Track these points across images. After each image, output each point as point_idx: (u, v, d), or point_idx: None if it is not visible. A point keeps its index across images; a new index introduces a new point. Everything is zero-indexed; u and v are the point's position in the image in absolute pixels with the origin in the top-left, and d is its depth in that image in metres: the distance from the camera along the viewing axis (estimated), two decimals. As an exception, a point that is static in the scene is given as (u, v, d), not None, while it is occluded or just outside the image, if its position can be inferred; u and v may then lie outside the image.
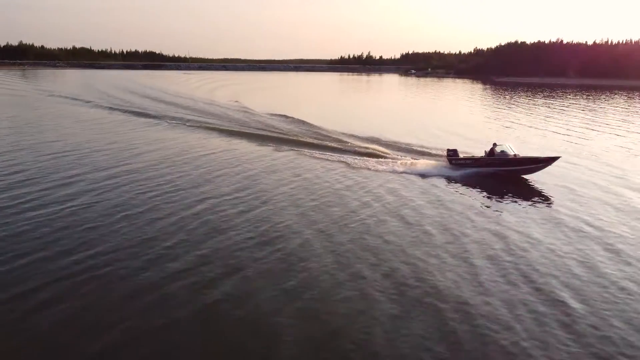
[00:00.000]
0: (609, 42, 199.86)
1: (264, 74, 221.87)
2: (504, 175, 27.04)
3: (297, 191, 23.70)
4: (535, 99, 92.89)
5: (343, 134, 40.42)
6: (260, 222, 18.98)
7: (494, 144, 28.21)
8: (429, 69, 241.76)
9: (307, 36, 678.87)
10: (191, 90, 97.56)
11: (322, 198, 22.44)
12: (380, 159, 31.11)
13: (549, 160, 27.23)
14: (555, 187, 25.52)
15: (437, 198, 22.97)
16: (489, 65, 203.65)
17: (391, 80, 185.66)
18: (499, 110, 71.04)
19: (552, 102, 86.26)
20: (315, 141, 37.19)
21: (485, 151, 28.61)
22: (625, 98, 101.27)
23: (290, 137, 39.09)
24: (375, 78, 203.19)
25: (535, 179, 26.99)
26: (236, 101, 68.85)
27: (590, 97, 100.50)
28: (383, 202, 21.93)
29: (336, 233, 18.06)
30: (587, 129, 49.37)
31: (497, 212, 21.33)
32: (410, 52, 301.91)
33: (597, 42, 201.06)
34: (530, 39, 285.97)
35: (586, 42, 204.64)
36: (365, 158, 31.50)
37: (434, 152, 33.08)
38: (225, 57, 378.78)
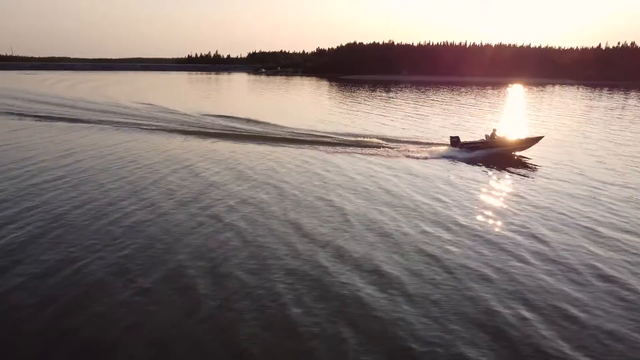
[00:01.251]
0: (430, 43, 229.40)
1: (115, 74, 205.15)
2: (503, 154, 33.82)
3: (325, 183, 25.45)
4: (375, 93, 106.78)
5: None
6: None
7: (494, 130, 35.08)
8: (279, 68, 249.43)
9: (152, 34, 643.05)
10: (65, 91, 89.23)
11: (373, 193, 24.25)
12: (414, 148, 36.17)
13: (536, 140, 34.45)
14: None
15: (472, 175, 28.68)
16: (334, 64, 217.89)
17: (241, 78, 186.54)
18: (351, 102, 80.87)
19: (389, 95, 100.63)
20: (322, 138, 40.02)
21: (486, 135, 35.23)
22: (449, 91, 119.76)
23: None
24: (227, 77, 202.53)
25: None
26: (149, 103, 66.98)
27: (420, 91, 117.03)
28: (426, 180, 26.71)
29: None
30: (418, 115, 61.40)
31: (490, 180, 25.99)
32: (257, 52, 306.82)
33: (422, 43, 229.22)
34: (366, 40, 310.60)
35: (412, 43, 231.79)
36: (393, 148, 36.37)
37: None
38: (55, 55, 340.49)
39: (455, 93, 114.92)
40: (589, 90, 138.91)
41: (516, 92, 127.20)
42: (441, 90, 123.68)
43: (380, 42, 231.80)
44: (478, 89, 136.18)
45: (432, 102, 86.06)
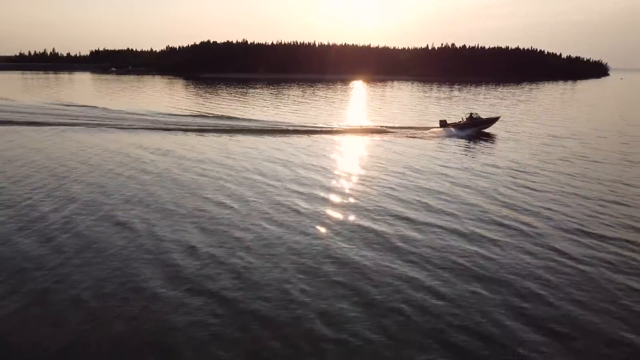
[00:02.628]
0: (282, 42, 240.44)
1: None
2: (477, 130, 47.76)
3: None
4: (235, 90, 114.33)
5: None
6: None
7: (471, 113, 48.86)
8: (130, 67, 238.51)
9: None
10: None
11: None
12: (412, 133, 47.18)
13: (495, 119, 49.56)
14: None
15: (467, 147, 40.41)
16: (189, 62, 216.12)
17: (84, 78, 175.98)
18: (214, 99, 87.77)
19: (246, 91, 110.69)
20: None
21: (463, 118, 49.24)
22: (300, 86, 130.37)
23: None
24: (67, 77, 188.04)
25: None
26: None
27: (273, 87, 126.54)
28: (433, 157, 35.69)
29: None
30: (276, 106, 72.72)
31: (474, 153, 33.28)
32: (101, 49, 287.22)
33: (275, 42, 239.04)
34: (220, 39, 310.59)
35: (266, 42, 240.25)
36: (392, 134, 46.76)
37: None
38: None
39: (317, 88, 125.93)
40: (421, 85, 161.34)
41: (363, 87, 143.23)
42: (303, 86, 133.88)
43: (235, 41, 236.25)
44: (330, 85, 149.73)
45: (314, 96, 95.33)
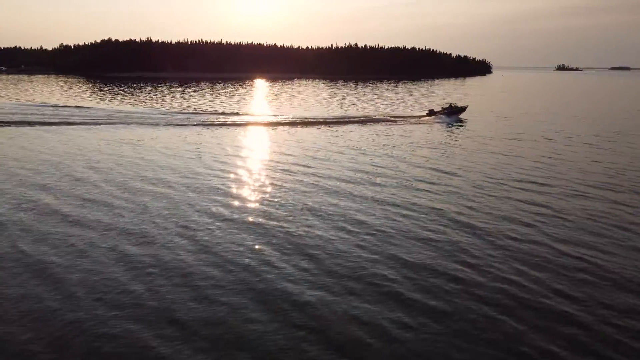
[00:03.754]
0: (188, 41, 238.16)
1: None
2: (457, 115, 61.41)
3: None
4: (146, 89, 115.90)
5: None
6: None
7: (450, 104, 61.96)
8: (23, 66, 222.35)
9: None
10: None
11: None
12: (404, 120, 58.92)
13: (465, 108, 62.68)
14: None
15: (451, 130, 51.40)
16: (91, 61, 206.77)
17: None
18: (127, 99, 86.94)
19: (158, 89, 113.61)
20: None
21: (443, 107, 61.97)
22: (208, 85, 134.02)
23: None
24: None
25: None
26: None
27: (185, 86, 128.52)
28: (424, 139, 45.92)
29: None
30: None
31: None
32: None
33: (181, 41, 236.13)
34: (122, 37, 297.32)
35: (171, 41, 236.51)
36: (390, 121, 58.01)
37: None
38: None
39: (231, 87, 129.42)
40: (328, 82, 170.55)
41: (270, 85, 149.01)
42: (218, 84, 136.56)
43: (138, 40, 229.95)
44: (240, 83, 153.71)
45: (230, 93, 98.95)
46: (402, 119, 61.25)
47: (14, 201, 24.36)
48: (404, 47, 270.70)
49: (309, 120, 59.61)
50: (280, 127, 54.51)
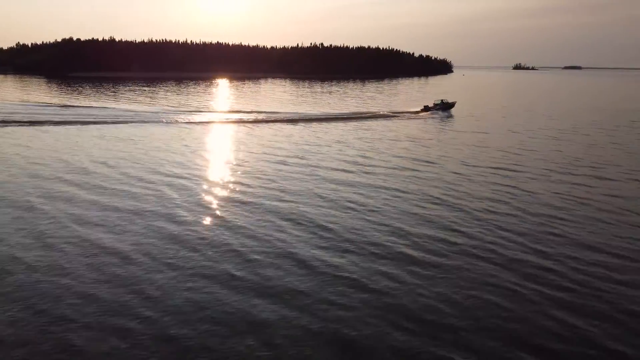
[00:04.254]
0: (152, 40, 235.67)
1: None
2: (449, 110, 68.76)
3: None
4: (111, 88, 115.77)
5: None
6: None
7: (442, 99, 69.92)
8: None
9: None
10: None
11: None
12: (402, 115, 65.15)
13: (455, 103, 70.28)
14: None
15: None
16: (53, 61, 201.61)
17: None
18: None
19: (123, 89, 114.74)
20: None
21: (435, 103, 69.54)
22: (175, 84, 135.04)
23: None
24: None
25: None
26: None
27: (150, 85, 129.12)
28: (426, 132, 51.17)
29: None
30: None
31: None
32: None
33: (146, 40, 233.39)
34: (83, 36, 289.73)
35: (135, 40, 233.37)
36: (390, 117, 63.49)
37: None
38: None
39: (199, 86, 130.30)
40: (296, 82, 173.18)
41: (242, 84, 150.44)
42: (188, 84, 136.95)
43: (101, 39, 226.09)
44: (209, 82, 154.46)
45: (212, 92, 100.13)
46: (402, 114, 67.27)
47: None
48: (369, 47, 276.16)
49: (322, 117, 64.41)
50: (284, 124, 57.41)
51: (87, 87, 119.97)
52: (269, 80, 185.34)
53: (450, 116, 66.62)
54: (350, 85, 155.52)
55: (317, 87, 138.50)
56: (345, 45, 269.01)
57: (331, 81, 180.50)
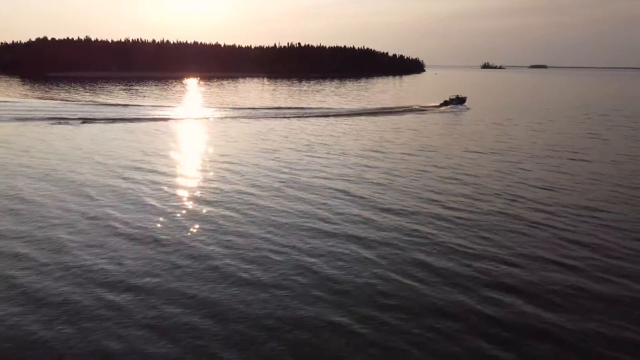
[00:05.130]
0: (130, 40, 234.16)
1: None
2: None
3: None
4: (87, 88, 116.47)
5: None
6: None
7: (457, 95, 78.71)
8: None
9: None
10: None
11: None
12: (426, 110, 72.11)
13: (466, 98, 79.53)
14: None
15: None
16: (27, 60, 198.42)
17: None
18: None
19: (101, 89, 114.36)
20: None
21: (450, 98, 78.01)
22: (143, 83, 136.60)
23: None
24: None
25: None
26: None
27: (128, 85, 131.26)
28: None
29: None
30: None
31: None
32: None
33: (122, 40, 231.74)
34: (58, 35, 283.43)
35: (112, 39, 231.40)
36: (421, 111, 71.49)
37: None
38: None
39: (183, 85, 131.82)
40: (270, 81, 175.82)
41: (223, 82, 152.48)
42: (175, 83, 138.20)
43: (76, 38, 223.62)
44: (189, 81, 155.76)
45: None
46: (429, 108, 74.62)
47: None
48: (345, 47, 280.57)
49: (349, 112, 69.84)
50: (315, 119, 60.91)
51: (88, 87, 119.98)
52: (247, 79, 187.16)
53: (468, 109, 74.42)
54: (335, 83, 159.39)
55: (304, 86, 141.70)
56: (322, 45, 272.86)
57: (309, 80, 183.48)
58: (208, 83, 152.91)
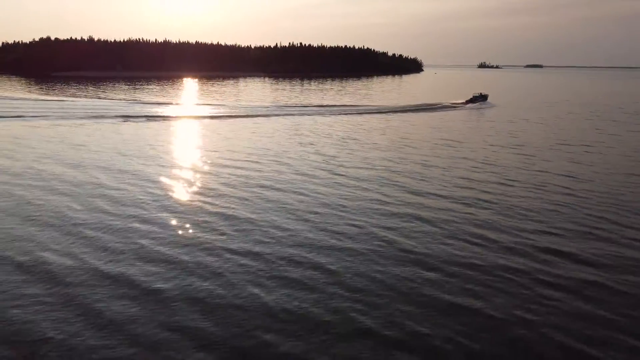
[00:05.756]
0: (141, 40, 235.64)
1: None
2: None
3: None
4: (92, 88, 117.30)
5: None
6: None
7: (480, 93, 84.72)
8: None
9: None
10: None
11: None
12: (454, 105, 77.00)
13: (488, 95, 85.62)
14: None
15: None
16: (29, 60, 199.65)
17: None
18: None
19: (106, 88, 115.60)
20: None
21: (474, 95, 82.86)
22: (157, 83, 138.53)
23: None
24: None
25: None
26: None
27: (134, 84, 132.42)
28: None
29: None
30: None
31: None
32: None
33: (124, 40, 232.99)
34: (62, 35, 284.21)
35: (114, 39, 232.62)
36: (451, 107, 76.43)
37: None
38: None
39: (207, 84, 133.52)
40: (273, 80, 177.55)
41: (225, 82, 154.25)
42: (178, 82, 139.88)
43: (80, 38, 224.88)
44: (203, 80, 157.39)
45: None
46: (458, 105, 78.81)
47: None
48: (345, 46, 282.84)
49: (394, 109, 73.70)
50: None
51: (110, 86, 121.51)
52: (249, 79, 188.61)
53: (493, 105, 79.37)
54: (342, 82, 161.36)
55: (313, 85, 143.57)
56: (322, 45, 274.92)
57: (310, 80, 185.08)
58: (217, 82, 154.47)
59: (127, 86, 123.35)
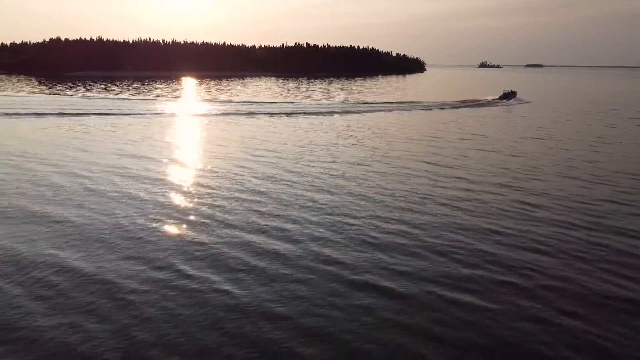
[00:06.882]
0: (149, 40, 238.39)
1: None
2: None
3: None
4: (105, 87, 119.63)
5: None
6: None
7: (511, 90, 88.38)
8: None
9: None
10: None
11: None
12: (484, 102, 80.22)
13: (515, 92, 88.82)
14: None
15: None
16: (39, 60, 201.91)
17: None
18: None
19: (116, 87, 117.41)
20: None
21: (505, 92, 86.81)
22: (166, 82, 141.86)
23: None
24: None
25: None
26: None
27: (142, 83, 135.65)
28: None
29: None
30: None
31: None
32: None
33: (133, 40, 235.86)
34: (71, 36, 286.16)
35: (123, 40, 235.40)
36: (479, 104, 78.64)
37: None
38: None
39: (223, 83, 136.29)
40: (280, 80, 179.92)
41: (230, 82, 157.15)
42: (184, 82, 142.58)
43: (89, 39, 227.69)
44: (210, 79, 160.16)
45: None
46: (495, 101, 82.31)
47: None
48: (350, 46, 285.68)
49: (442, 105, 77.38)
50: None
51: (137, 85, 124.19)
52: (256, 78, 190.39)
53: (525, 101, 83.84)
54: (350, 82, 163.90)
55: (333, 85, 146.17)
56: (328, 45, 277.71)
57: (316, 79, 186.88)
58: (230, 82, 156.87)
59: (151, 85, 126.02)
